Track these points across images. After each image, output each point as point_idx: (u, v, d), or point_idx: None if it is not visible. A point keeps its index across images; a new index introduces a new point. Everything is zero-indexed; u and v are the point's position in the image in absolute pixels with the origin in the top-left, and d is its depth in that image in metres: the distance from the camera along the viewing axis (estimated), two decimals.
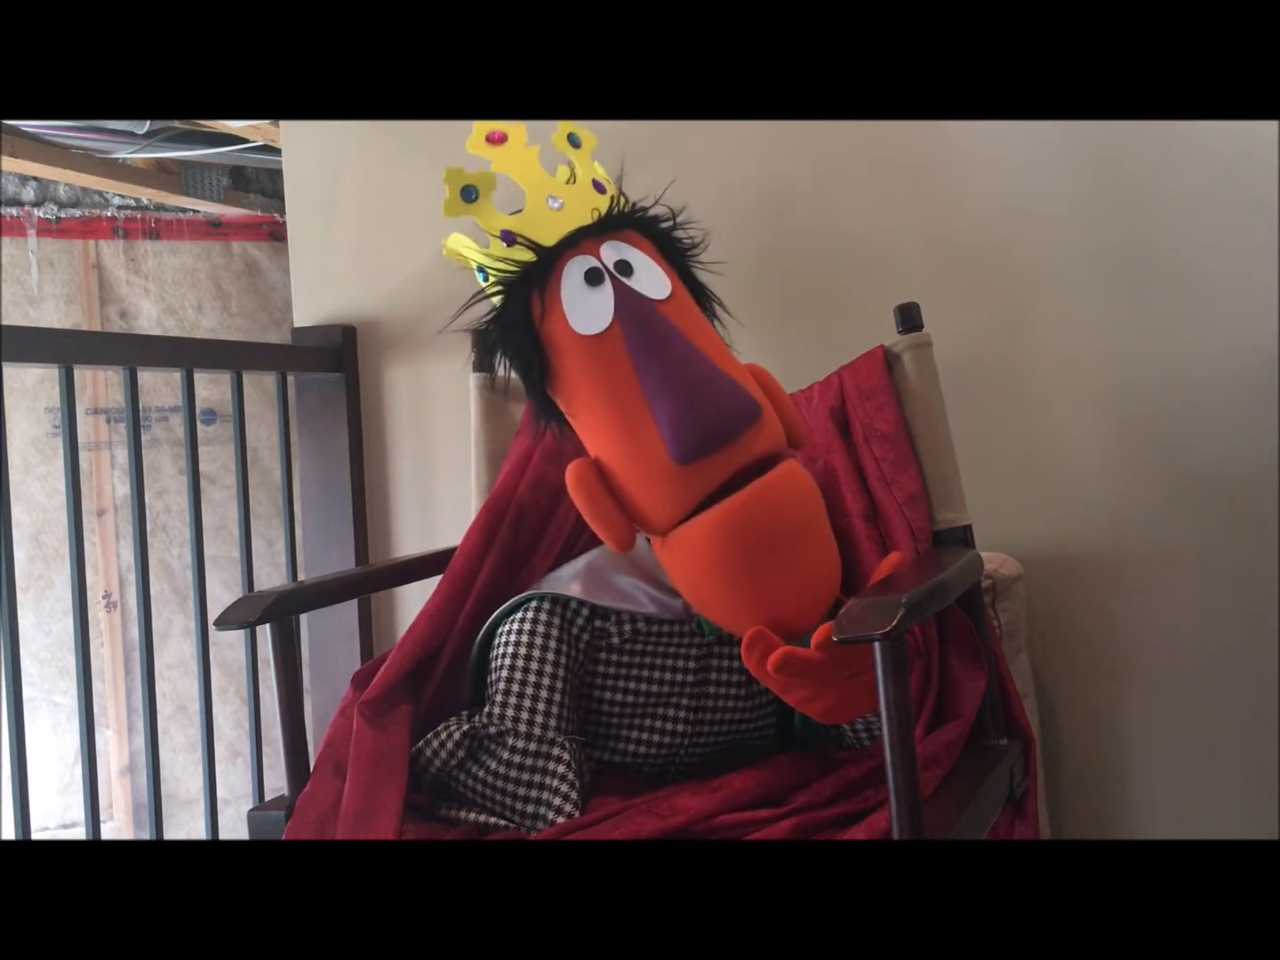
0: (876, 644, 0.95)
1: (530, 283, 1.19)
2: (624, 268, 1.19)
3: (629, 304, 1.17)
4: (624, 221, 1.23)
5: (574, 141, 1.26)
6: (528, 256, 1.19)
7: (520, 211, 1.22)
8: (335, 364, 1.98)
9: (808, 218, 1.76)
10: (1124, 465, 1.63)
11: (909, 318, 1.40)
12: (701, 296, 1.29)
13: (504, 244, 1.20)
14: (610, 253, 1.20)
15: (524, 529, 1.43)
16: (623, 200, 1.24)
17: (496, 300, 1.23)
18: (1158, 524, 1.62)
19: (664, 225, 1.26)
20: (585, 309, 1.17)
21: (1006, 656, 1.41)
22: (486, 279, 1.25)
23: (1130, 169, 1.62)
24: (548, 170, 1.24)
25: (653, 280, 1.20)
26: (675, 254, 1.27)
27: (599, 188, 1.24)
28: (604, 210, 1.22)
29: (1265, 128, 1.55)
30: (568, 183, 1.24)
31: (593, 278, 1.18)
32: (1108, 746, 1.65)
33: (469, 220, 1.22)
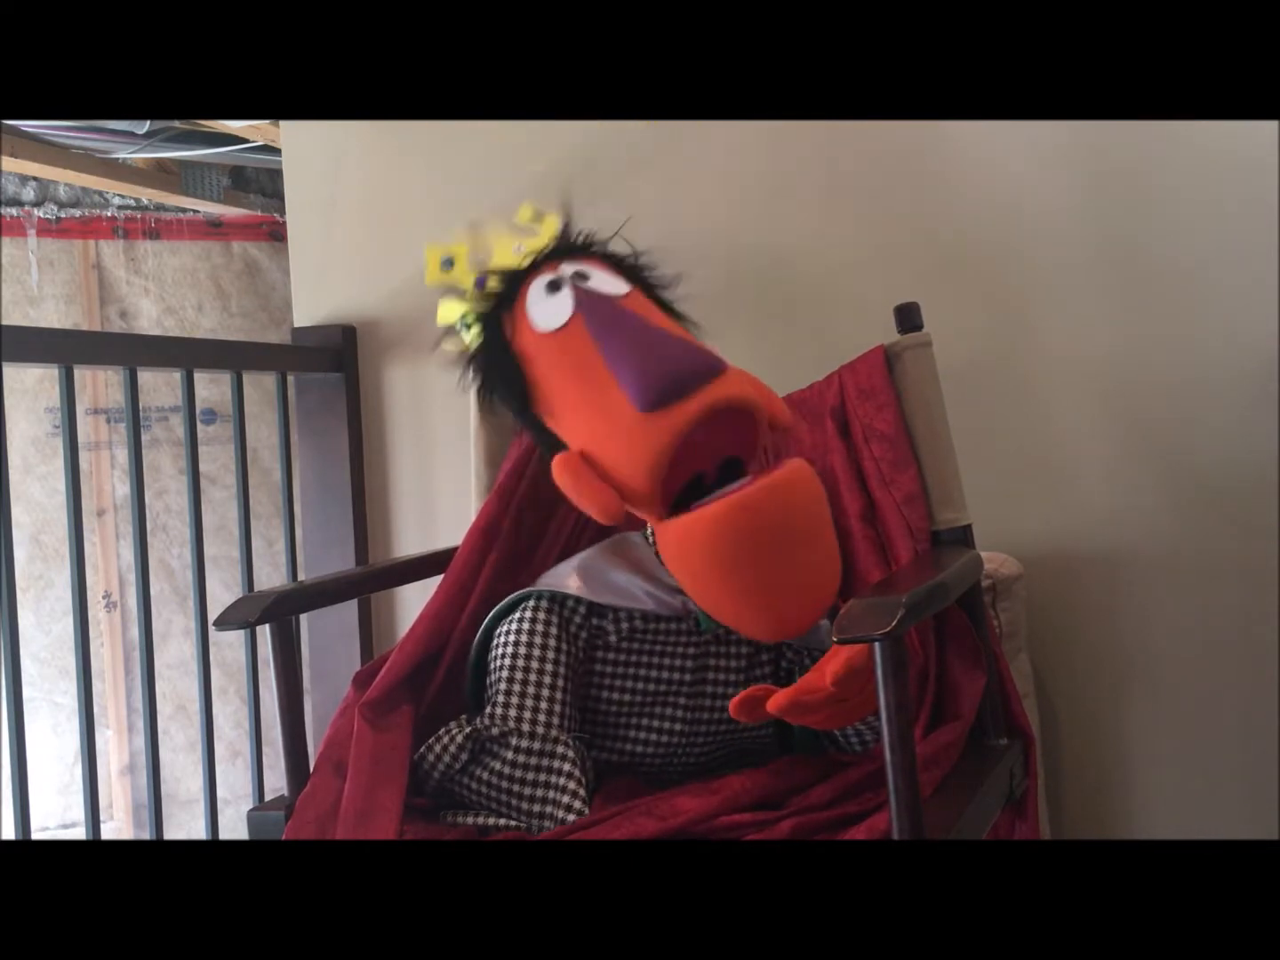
0: (876, 644, 0.96)
1: (500, 308, 1.29)
2: (581, 277, 1.27)
3: (587, 298, 1.25)
4: (579, 248, 1.32)
5: (537, 218, 1.36)
6: (497, 288, 1.30)
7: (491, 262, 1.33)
8: (335, 364, 1.98)
9: (807, 217, 1.76)
10: (1124, 465, 1.63)
11: (909, 318, 1.40)
12: (669, 311, 1.33)
13: (478, 289, 1.31)
14: (568, 267, 1.28)
15: (524, 529, 1.43)
16: (579, 234, 1.33)
17: (476, 338, 1.32)
18: (1158, 524, 1.62)
19: (616, 253, 1.33)
20: (547, 310, 1.26)
21: (1006, 656, 1.41)
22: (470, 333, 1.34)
23: (1130, 169, 1.62)
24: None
25: (609, 284, 1.27)
26: (633, 274, 1.32)
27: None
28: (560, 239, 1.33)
29: (1265, 128, 1.54)
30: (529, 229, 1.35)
31: (553, 287, 1.27)
32: (1108, 746, 1.65)
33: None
